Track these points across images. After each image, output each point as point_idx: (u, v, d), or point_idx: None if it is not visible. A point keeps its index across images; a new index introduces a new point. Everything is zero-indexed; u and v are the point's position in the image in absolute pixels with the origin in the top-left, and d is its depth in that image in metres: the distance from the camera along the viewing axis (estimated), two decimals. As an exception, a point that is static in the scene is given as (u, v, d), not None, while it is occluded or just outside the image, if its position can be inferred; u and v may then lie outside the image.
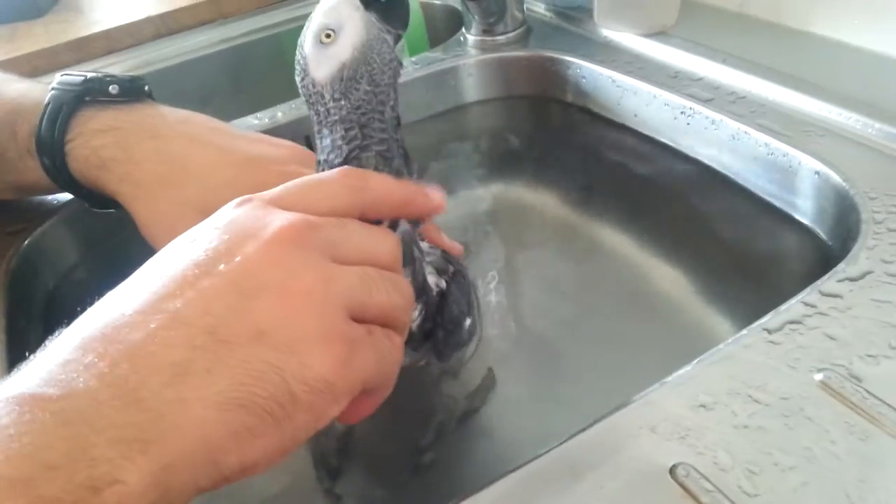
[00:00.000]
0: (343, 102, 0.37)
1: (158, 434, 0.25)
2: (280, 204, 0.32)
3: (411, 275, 0.38)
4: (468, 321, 0.44)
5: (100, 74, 0.51)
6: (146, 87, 0.52)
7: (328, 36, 0.37)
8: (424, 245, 0.42)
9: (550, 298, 0.59)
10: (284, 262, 0.30)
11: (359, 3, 0.38)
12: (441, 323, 0.41)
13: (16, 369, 0.27)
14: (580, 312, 0.56)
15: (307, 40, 0.38)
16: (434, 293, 0.41)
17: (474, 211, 0.70)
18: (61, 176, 0.50)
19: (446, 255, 0.43)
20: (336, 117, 0.38)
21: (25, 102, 0.51)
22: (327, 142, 0.39)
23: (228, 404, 0.26)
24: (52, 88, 0.50)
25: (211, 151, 0.48)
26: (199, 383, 0.26)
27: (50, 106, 0.49)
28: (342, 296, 0.30)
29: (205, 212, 0.44)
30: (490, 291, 0.59)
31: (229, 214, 0.32)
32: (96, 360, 0.26)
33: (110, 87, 0.50)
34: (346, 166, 0.37)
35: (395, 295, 0.33)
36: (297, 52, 0.39)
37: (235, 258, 0.29)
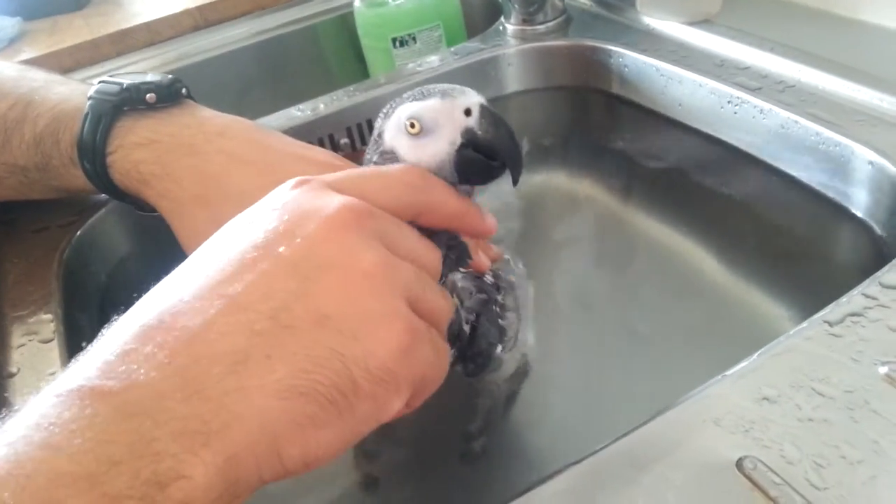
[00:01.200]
0: None
1: (220, 425, 0.25)
2: (338, 188, 0.32)
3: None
4: (498, 348, 0.43)
5: (136, 81, 0.50)
6: (183, 90, 0.52)
7: (413, 126, 0.36)
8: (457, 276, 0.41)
9: (598, 290, 0.59)
10: (345, 243, 0.29)
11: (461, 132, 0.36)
12: (469, 356, 0.41)
13: (74, 359, 0.27)
14: (628, 304, 0.56)
15: (398, 112, 0.37)
16: (465, 332, 0.40)
17: (514, 202, 0.70)
18: (105, 185, 0.51)
19: (478, 281, 0.42)
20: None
21: (66, 109, 0.51)
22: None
23: (289, 392, 0.26)
24: (90, 97, 0.50)
25: (250, 172, 0.48)
26: (259, 371, 0.26)
27: (89, 116, 0.49)
28: (402, 283, 0.30)
29: None
30: (533, 284, 0.59)
31: (287, 195, 0.31)
32: (155, 350, 0.25)
33: (147, 96, 0.50)
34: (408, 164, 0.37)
35: (442, 299, 0.33)
36: (392, 105, 0.38)
37: (295, 239, 0.29)
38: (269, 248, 0.28)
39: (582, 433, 0.48)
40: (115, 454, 0.23)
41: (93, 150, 0.49)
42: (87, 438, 0.23)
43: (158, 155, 0.49)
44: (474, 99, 0.36)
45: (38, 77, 0.55)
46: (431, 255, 0.34)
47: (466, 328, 0.40)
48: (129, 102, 0.50)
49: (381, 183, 0.33)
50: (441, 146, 0.36)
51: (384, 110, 0.38)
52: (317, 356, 0.27)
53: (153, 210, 0.52)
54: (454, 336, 0.38)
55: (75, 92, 0.53)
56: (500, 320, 0.43)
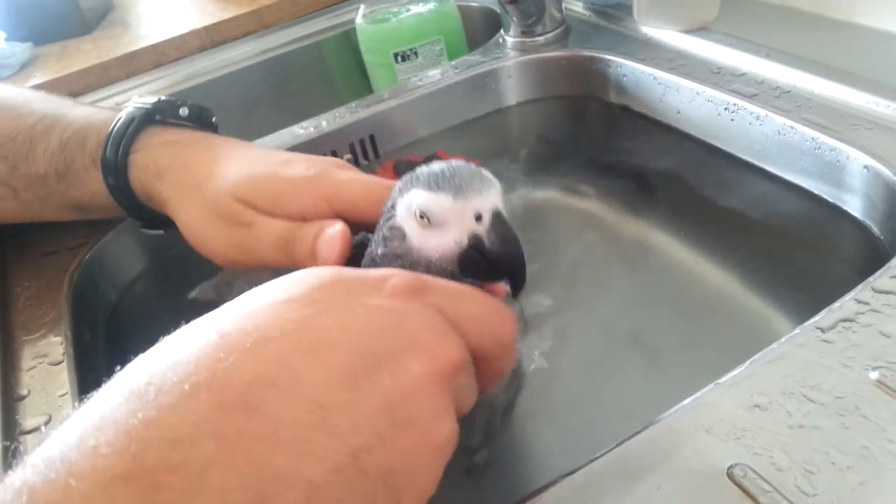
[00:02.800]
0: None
1: None
2: (447, 314, 0.30)
3: None
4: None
5: (173, 98, 0.54)
6: (213, 119, 0.55)
7: (422, 217, 0.35)
8: None
9: (597, 299, 0.59)
10: (437, 401, 0.27)
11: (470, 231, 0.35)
12: None
13: (122, 389, 0.24)
14: (628, 313, 0.57)
15: (411, 196, 0.36)
16: None
17: (518, 213, 0.71)
18: (120, 187, 0.52)
19: None
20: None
21: (98, 118, 0.54)
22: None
23: None
24: (126, 106, 0.53)
25: (250, 155, 0.50)
26: None
27: (121, 120, 0.52)
28: (451, 453, 0.28)
29: (239, 199, 0.47)
30: (532, 294, 0.60)
31: (402, 304, 0.29)
32: (234, 446, 0.22)
33: (181, 110, 0.53)
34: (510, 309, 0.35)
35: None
36: (409, 179, 0.37)
37: (399, 373, 0.26)
38: (375, 369, 0.26)
39: (583, 443, 0.49)
40: None
41: (118, 149, 0.51)
42: None
43: (177, 151, 0.51)
44: (488, 203, 0.34)
45: (68, 100, 0.58)
46: (472, 404, 0.32)
47: None
48: (162, 112, 0.53)
49: (489, 324, 0.31)
50: (447, 243, 0.35)
51: (401, 182, 0.38)
52: None
53: (159, 225, 0.54)
54: None
55: (105, 110, 0.55)
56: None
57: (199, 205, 0.49)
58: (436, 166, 0.36)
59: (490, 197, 0.35)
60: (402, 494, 0.26)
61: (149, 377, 0.24)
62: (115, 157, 0.51)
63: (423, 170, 0.36)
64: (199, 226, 0.49)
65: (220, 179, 0.49)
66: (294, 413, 0.24)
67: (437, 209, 0.35)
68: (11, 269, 0.59)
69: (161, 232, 0.55)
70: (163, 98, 0.53)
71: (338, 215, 0.44)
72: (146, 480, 0.21)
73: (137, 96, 0.54)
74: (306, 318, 0.26)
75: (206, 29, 0.97)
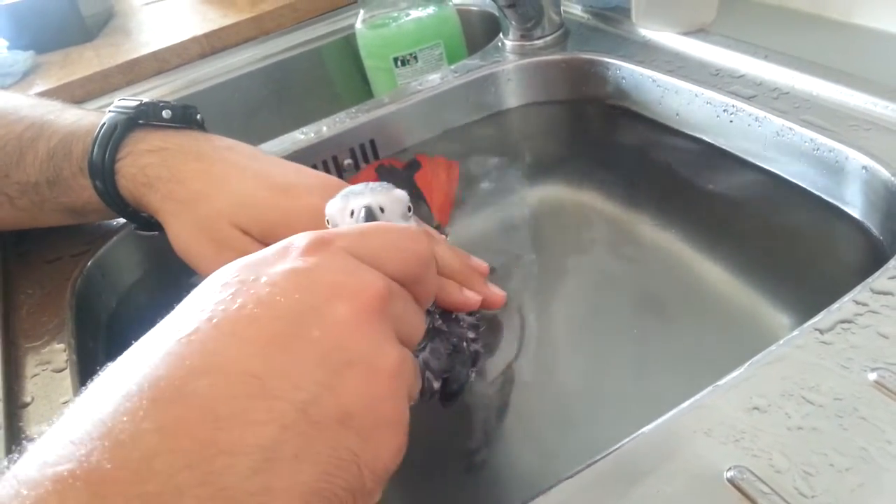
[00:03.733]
0: None
1: None
2: (357, 254, 0.30)
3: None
4: (472, 374, 0.46)
5: (154, 100, 0.53)
6: (198, 117, 0.55)
7: (327, 221, 0.40)
8: None
9: (596, 300, 0.59)
10: (373, 336, 0.28)
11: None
12: (443, 397, 0.44)
13: (76, 412, 0.24)
14: (627, 314, 0.57)
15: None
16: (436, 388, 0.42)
17: (517, 216, 0.71)
18: (110, 194, 0.52)
19: (450, 324, 0.44)
20: None
21: (82, 124, 0.53)
22: None
23: (312, 496, 0.24)
24: (109, 111, 0.53)
25: (248, 175, 0.50)
26: (287, 471, 0.24)
27: (105, 126, 0.52)
28: (409, 380, 0.29)
29: (232, 224, 0.47)
30: (533, 294, 0.60)
31: (309, 259, 0.29)
32: (175, 431, 0.23)
33: (163, 112, 0.52)
34: (419, 228, 0.38)
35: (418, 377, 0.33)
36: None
37: (326, 322, 0.27)
38: (301, 325, 0.26)
39: (580, 445, 0.49)
40: None
41: (103, 156, 0.51)
42: None
43: (165, 159, 0.51)
44: (361, 202, 0.39)
45: (56, 104, 0.57)
46: (422, 326, 0.33)
47: (437, 385, 0.42)
48: (144, 116, 0.52)
49: (405, 249, 0.32)
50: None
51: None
52: (339, 458, 0.25)
53: (152, 226, 0.54)
54: (428, 395, 0.41)
55: (90, 115, 0.55)
56: (472, 349, 0.45)
57: (191, 223, 0.49)
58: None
59: (365, 197, 0.39)
60: (372, 432, 0.26)
61: (91, 395, 0.25)
62: (102, 164, 0.51)
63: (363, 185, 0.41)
64: (189, 243, 0.50)
65: (214, 201, 0.48)
66: (230, 390, 0.24)
67: (329, 210, 0.40)
68: (14, 277, 0.59)
69: (156, 233, 0.55)
70: (144, 101, 0.52)
71: None
72: (92, 478, 0.22)
73: (120, 98, 0.54)
74: (219, 305, 0.27)
75: (207, 36, 0.97)
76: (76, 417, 0.24)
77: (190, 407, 0.24)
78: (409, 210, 0.41)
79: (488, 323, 0.59)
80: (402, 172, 0.67)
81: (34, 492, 0.22)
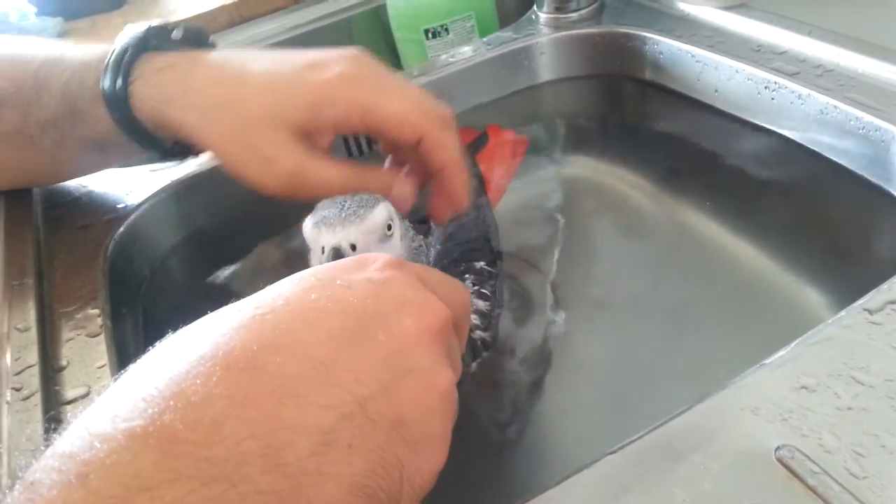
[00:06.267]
0: None
1: None
2: (427, 284, 0.32)
3: None
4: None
5: (164, 22, 0.52)
6: (209, 39, 0.53)
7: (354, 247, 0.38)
8: None
9: (633, 277, 0.58)
10: (434, 355, 0.29)
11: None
12: None
13: (144, 370, 0.25)
14: (666, 294, 0.56)
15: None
16: None
17: (549, 192, 0.70)
18: (127, 120, 0.50)
19: None
20: None
21: (94, 54, 0.52)
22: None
23: (358, 491, 0.25)
24: (119, 38, 0.51)
25: (267, 60, 0.48)
26: (340, 459, 0.24)
27: (115, 51, 0.50)
28: (455, 404, 0.30)
29: (275, 122, 0.45)
30: (564, 272, 0.59)
31: (385, 272, 0.30)
32: (244, 401, 0.24)
33: (173, 33, 0.51)
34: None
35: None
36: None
37: (393, 329, 0.28)
38: (368, 327, 0.27)
39: (617, 423, 0.48)
40: None
41: (115, 82, 0.49)
42: (167, 503, 0.21)
43: (177, 74, 0.49)
44: (331, 240, 0.38)
45: (68, 43, 0.56)
46: (460, 366, 0.34)
47: None
48: (156, 37, 0.51)
49: (459, 297, 0.34)
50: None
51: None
52: (386, 461, 0.26)
53: (177, 154, 0.53)
54: None
55: (102, 46, 0.53)
56: (476, 336, 0.45)
57: (227, 127, 0.47)
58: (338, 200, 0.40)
59: (336, 233, 0.38)
60: (419, 444, 0.27)
61: (161, 355, 0.26)
62: (114, 89, 0.50)
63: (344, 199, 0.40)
64: (238, 150, 0.47)
65: (240, 103, 0.46)
66: (297, 370, 0.25)
67: (305, 232, 0.39)
68: (47, 243, 0.59)
69: (178, 162, 0.54)
70: (154, 24, 0.51)
71: (368, 131, 0.45)
72: (164, 436, 0.22)
73: (129, 24, 0.52)
74: (297, 295, 0.28)
75: (236, 4, 0.97)
76: (145, 375, 0.25)
77: (260, 380, 0.24)
78: (389, 229, 0.40)
79: (521, 301, 0.59)
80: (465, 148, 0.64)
81: (107, 445, 0.22)
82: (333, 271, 0.30)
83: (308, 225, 0.39)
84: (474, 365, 0.45)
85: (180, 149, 0.53)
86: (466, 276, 0.47)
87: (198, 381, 0.24)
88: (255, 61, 0.48)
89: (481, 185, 0.55)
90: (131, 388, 0.24)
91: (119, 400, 0.24)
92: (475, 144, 0.63)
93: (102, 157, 0.58)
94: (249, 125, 0.45)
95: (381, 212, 0.39)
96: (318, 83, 0.45)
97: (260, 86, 0.46)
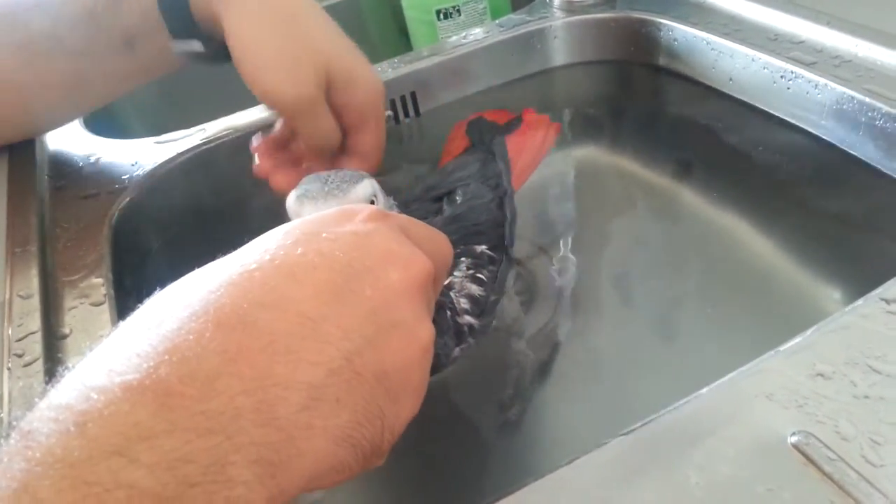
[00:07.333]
0: None
1: (286, 459, 0.24)
2: (408, 234, 0.32)
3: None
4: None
5: None
6: None
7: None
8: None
9: (644, 265, 0.58)
10: (416, 307, 0.30)
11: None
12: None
13: (135, 327, 0.25)
14: (677, 282, 0.56)
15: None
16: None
17: (558, 177, 0.70)
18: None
19: None
20: None
21: None
22: None
23: (344, 441, 0.26)
24: None
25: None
26: (328, 412, 0.25)
27: None
28: (432, 356, 0.31)
29: (314, 57, 0.49)
30: (575, 262, 0.59)
31: (370, 225, 0.31)
32: (236, 357, 0.24)
33: None
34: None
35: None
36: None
37: (379, 283, 0.28)
38: (354, 281, 0.28)
39: (619, 412, 0.48)
40: (194, 475, 0.22)
41: None
42: (167, 451, 0.22)
43: None
44: (314, 213, 0.37)
45: None
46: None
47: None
48: None
49: (440, 250, 0.35)
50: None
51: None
52: (369, 411, 0.27)
53: (221, 57, 0.53)
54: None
55: None
56: (464, 321, 0.44)
57: (269, 34, 0.49)
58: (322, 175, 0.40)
59: (316, 207, 0.38)
60: (399, 394, 0.28)
61: (153, 312, 0.26)
62: None
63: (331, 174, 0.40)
64: (264, 47, 0.49)
65: (291, 18, 0.49)
66: (286, 326, 0.26)
67: (287, 204, 0.39)
68: (50, 211, 0.59)
69: (201, 50, 0.53)
70: None
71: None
72: (160, 389, 0.23)
73: None
74: (280, 249, 0.28)
75: (245, -20, 0.95)
76: (138, 331, 0.25)
77: (251, 336, 0.25)
78: (372, 204, 0.39)
79: (526, 284, 0.58)
80: (495, 129, 0.62)
81: (104, 396, 0.22)
82: (319, 224, 0.31)
83: (291, 198, 0.39)
84: (457, 350, 0.43)
85: (208, 46, 0.52)
86: (463, 258, 0.46)
87: (191, 337, 0.24)
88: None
89: (507, 170, 0.54)
90: (125, 344, 0.25)
91: (113, 355, 0.24)
92: (507, 127, 0.62)
93: (131, 59, 0.56)
94: (296, 42, 0.49)
95: (366, 187, 0.40)
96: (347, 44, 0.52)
97: (313, 24, 0.51)
